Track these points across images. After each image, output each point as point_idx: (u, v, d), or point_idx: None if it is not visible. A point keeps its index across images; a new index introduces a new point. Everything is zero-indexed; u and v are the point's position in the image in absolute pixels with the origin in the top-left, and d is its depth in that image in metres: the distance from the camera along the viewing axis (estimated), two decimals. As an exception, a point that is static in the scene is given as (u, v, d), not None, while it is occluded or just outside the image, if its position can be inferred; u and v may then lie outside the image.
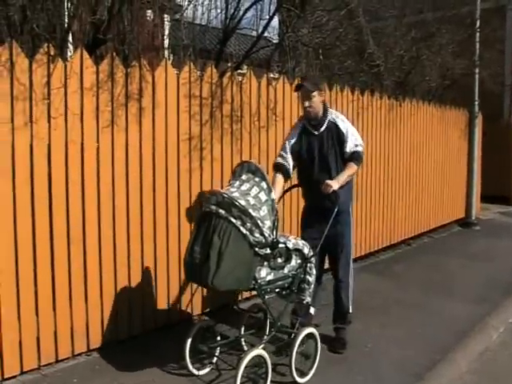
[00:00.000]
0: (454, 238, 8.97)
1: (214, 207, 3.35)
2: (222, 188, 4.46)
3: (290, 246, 3.67)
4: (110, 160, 4.14)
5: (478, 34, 9.47)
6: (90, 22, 4.88)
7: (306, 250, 3.80)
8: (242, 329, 4.10)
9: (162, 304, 4.56)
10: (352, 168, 4.12)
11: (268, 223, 3.41)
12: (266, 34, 6.53)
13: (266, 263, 3.49)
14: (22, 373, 3.72)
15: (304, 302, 3.93)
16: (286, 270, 3.68)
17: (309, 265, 3.84)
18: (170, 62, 4.76)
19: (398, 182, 7.78)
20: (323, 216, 4.00)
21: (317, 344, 3.90)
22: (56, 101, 3.82)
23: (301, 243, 3.80)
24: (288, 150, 4.19)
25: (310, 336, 3.84)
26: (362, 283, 6.04)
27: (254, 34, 6.66)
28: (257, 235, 3.33)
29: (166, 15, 6.52)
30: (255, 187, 3.47)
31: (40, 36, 4.51)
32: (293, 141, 4.21)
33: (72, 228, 3.94)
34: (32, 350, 3.76)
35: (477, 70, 9.57)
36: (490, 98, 9.97)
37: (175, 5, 6.45)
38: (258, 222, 3.32)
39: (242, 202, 3.30)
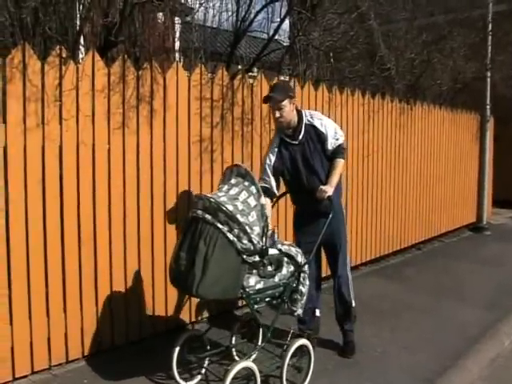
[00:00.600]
0: (465, 242, 8.93)
1: (200, 212, 3.24)
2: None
3: (283, 248, 3.58)
4: (121, 162, 4.17)
5: (490, 37, 9.43)
6: (102, 24, 4.92)
7: (299, 258, 3.68)
8: (234, 338, 3.97)
9: (170, 309, 4.57)
10: (339, 164, 4.03)
11: (257, 229, 3.29)
12: (276, 37, 6.54)
13: (254, 271, 3.37)
14: (33, 373, 3.75)
15: (295, 313, 3.74)
16: (276, 279, 3.54)
17: (302, 274, 3.71)
18: (181, 64, 4.77)
19: (408, 185, 7.77)
20: (317, 219, 3.97)
21: (310, 356, 3.74)
22: (68, 102, 3.85)
23: (294, 250, 3.68)
24: (269, 173, 4.04)
25: (303, 348, 3.70)
26: (372, 287, 6.06)
27: (265, 36, 6.67)
28: (245, 242, 3.22)
29: (176, 18, 6.55)
30: (244, 192, 3.36)
31: (52, 38, 4.56)
32: (273, 160, 4.05)
33: (83, 229, 3.97)
34: (43, 351, 3.79)
35: (488, 74, 9.53)
36: (501, 101, 9.90)
37: (186, 7, 6.49)
38: (246, 228, 3.21)
39: (230, 207, 3.20)
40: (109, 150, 4.09)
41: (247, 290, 3.34)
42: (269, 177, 4.04)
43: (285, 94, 3.94)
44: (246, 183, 3.40)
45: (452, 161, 9.07)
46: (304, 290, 3.73)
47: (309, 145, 4.02)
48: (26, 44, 3.68)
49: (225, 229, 3.17)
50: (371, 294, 5.80)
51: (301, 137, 4.02)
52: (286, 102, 3.92)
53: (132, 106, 4.22)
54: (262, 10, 6.03)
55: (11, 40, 4.54)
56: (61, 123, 3.83)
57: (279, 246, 3.59)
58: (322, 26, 6.64)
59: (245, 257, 3.24)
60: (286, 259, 3.60)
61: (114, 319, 4.18)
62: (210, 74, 4.87)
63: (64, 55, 3.85)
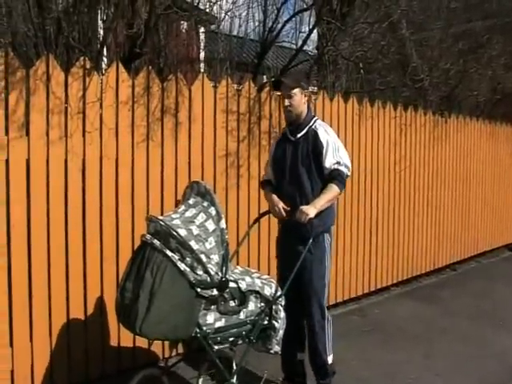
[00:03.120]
0: (504, 263, 8.79)
1: (149, 237, 2.99)
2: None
3: (243, 287, 3.24)
4: (144, 176, 4.23)
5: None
6: (126, 35, 5.03)
7: (267, 291, 3.36)
8: (201, 380, 3.56)
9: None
10: (332, 191, 3.63)
11: (215, 258, 3.03)
12: (304, 48, 6.59)
13: (213, 307, 3.09)
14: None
15: (271, 351, 3.46)
16: (242, 316, 3.25)
17: (274, 307, 3.40)
18: (206, 75, 4.84)
19: (443, 202, 7.70)
20: (294, 247, 3.65)
21: None
22: (91, 115, 3.94)
23: (259, 282, 3.35)
24: (270, 164, 3.97)
25: None
26: (403, 309, 6.01)
27: (293, 46, 6.73)
28: (199, 273, 2.96)
29: (201, 27, 6.66)
30: (202, 214, 3.09)
31: (74, 49, 4.67)
32: (273, 151, 3.96)
33: (105, 244, 4.03)
34: (62, 369, 3.84)
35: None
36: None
37: (211, 16, 6.59)
38: (202, 256, 2.96)
39: (182, 232, 2.94)
40: (132, 164, 4.16)
41: (204, 328, 3.06)
42: (269, 167, 3.99)
43: (297, 82, 3.77)
44: (205, 204, 3.14)
45: (490, 176, 8.96)
46: (278, 324, 3.42)
47: (302, 148, 3.73)
48: (49, 55, 3.79)
49: (175, 257, 2.93)
50: (403, 316, 5.75)
51: (299, 135, 3.77)
52: (297, 91, 3.72)
53: (157, 118, 4.29)
54: (290, 19, 6.11)
55: (34, 51, 4.67)
56: (84, 136, 3.92)
57: (239, 276, 3.29)
58: (352, 35, 6.68)
59: (199, 290, 2.97)
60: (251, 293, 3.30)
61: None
62: (236, 85, 4.93)
63: (88, 66, 3.94)
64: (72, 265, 3.87)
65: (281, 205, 3.70)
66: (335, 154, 3.68)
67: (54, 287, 3.79)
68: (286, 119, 3.89)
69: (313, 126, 3.77)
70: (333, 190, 3.64)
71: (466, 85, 8.56)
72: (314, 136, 3.72)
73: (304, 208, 3.54)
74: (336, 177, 3.65)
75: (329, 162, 3.65)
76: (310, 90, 3.97)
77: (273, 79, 4.82)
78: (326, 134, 3.73)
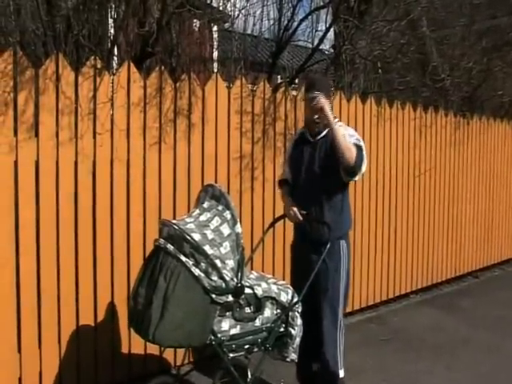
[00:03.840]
0: (529, 271, 8.72)
1: (162, 241, 3.01)
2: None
3: (259, 293, 3.23)
4: (156, 179, 4.26)
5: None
6: (137, 33, 5.06)
7: (283, 297, 3.36)
8: None
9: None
10: (352, 150, 3.51)
11: (230, 263, 3.04)
12: (321, 47, 6.59)
13: (228, 313, 3.10)
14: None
15: (288, 359, 3.47)
16: (258, 322, 3.25)
17: (290, 314, 3.39)
18: (220, 75, 4.86)
19: (464, 207, 7.65)
20: (311, 250, 3.65)
21: None
22: (102, 116, 3.97)
23: (275, 288, 3.34)
24: (287, 164, 3.96)
25: None
26: (424, 318, 5.98)
27: (309, 45, 6.74)
28: (214, 278, 2.97)
29: (214, 26, 6.68)
30: (217, 218, 3.09)
31: (84, 47, 4.70)
32: (290, 151, 3.96)
33: (116, 249, 4.06)
34: (71, 376, 3.87)
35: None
36: None
37: (225, 14, 6.61)
38: (217, 261, 2.96)
39: (196, 237, 2.95)
40: (144, 166, 4.19)
41: (219, 335, 3.06)
42: (287, 167, 3.97)
43: (328, 96, 3.73)
44: (220, 207, 3.14)
45: (515, 180, 8.89)
46: (295, 331, 3.41)
47: (320, 150, 3.69)
48: (59, 54, 3.82)
49: (189, 262, 2.94)
50: (423, 325, 5.72)
51: (319, 137, 3.73)
52: (325, 103, 3.65)
53: (169, 119, 4.32)
54: (306, 17, 6.11)
55: (43, 50, 4.71)
56: (95, 137, 3.95)
57: (255, 282, 3.28)
58: (370, 34, 6.68)
59: (214, 296, 2.98)
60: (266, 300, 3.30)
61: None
62: (250, 86, 4.94)
63: (99, 66, 3.97)
64: (82, 269, 3.89)
65: (296, 208, 3.69)
66: (356, 141, 3.61)
67: (64, 292, 3.81)
68: (313, 130, 3.78)
69: None
70: (352, 147, 3.52)
71: (489, 84, 8.49)
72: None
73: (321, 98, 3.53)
74: (357, 148, 3.55)
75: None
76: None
77: (288, 79, 4.83)
78: (344, 130, 3.67)
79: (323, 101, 3.56)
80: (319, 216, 3.63)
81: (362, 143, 3.66)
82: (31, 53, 4.67)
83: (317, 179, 3.67)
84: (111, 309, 4.05)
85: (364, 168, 3.63)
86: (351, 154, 3.50)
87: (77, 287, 3.88)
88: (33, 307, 3.70)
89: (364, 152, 3.62)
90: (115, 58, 5.26)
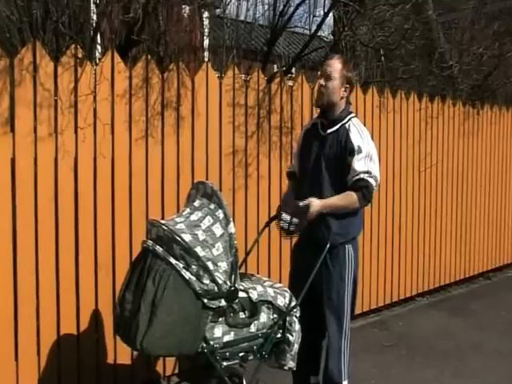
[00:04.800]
0: (545, 272, 8.74)
1: (150, 243, 3.01)
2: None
3: (254, 296, 3.22)
4: (143, 176, 4.25)
5: None
6: (122, 20, 5.04)
7: (280, 301, 3.34)
8: None
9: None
10: (349, 199, 3.52)
11: (223, 265, 3.03)
12: (319, 33, 6.58)
13: (221, 319, 3.08)
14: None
15: (285, 367, 3.44)
16: (253, 328, 3.24)
17: (288, 319, 3.37)
18: (211, 64, 4.85)
19: (475, 204, 7.66)
20: (310, 253, 3.58)
21: None
22: (84, 109, 3.96)
23: (271, 292, 3.33)
24: (296, 156, 3.95)
25: None
26: (431, 322, 6.00)
27: (306, 32, 6.72)
28: (206, 282, 2.97)
29: (205, 12, 6.67)
30: (208, 217, 3.08)
31: (65, 35, 4.67)
32: (300, 143, 3.91)
33: (100, 251, 4.05)
34: None
35: None
36: None
37: (217, 0, 6.60)
38: (209, 264, 2.96)
39: (187, 237, 2.95)
40: (130, 163, 4.18)
41: (211, 343, 3.05)
42: (295, 159, 3.97)
43: (343, 68, 3.64)
44: (212, 206, 3.13)
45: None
46: (293, 338, 3.39)
47: (330, 147, 3.63)
48: (36, 42, 3.79)
49: (180, 265, 2.93)
50: (431, 329, 5.73)
51: (330, 131, 3.66)
52: (338, 75, 3.60)
53: (156, 112, 4.31)
54: (302, 2, 6.10)
55: (19, 37, 4.68)
56: (76, 132, 3.93)
57: (250, 285, 3.28)
58: (372, 19, 6.67)
59: (206, 301, 2.97)
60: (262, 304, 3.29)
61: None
62: (243, 76, 4.94)
63: (80, 55, 3.95)
64: (63, 275, 3.88)
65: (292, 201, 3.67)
66: (367, 161, 3.54)
67: (43, 299, 3.80)
68: (316, 103, 3.77)
69: (346, 124, 3.63)
70: (350, 198, 3.52)
71: (501, 71, 8.46)
72: (344, 136, 3.59)
73: (312, 199, 3.47)
74: (362, 188, 3.51)
75: (358, 169, 3.51)
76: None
77: (284, 68, 4.82)
78: (359, 137, 3.59)
79: (315, 209, 3.48)
80: (320, 216, 3.59)
81: (373, 170, 3.57)
82: (5, 41, 4.63)
83: (322, 178, 3.64)
84: (95, 316, 4.04)
85: (376, 185, 3.59)
86: (354, 204, 3.54)
87: (57, 293, 3.86)
88: (8, 316, 3.67)
89: (374, 179, 3.56)
90: (98, 47, 5.23)
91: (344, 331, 3.68)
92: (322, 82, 3.64)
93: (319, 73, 3.74)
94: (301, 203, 3.49)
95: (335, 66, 3.62)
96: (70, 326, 3.92)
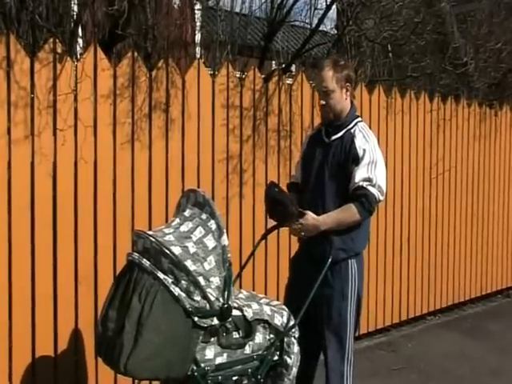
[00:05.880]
0: None
1: (136, 256, 3.00)
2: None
3: (249, 315, 3.21)
4: (129, 183, 4.28)
5: None
6: (106, 12, 5.07)
7: (277, 321, 3.34)
8: None
9: None
10: (347, 212, 3.53)
11: (216, 281, 3.04)
12: (321, 27, 6.61)
13: (213, 339, 3.07)
14: None
15: None
16: (248, 350, 3.23)
17: (286, 340, 3.37)
18: (203, 61, 4.88)
19: (492, 214, 7.66)
20: (309, 268, 3.60)
21: None
22: (64, 109, 3.98)
23: (268, 310, 3.32)
24: (299, 165, 3.96)
25: None
26: (444, 344, 5.99)
27: (307, 26, 6.76)
28: (197, 298, 2.97)
29: (197, 3, 6.70)
30: (200, 228, 3.08)
31: (42, 28, 4.69)
32: (304, 150, 3.96)
33: (81, 265, 4.06)
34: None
35: None
36: None
37: (209, -9, 6.66)
38: (200, 279, 2.97)
39: (176, 250, 2.95)
40: (114, 169, 4.20)
41: (202, 365, 3.03)
42: (297, 170, 3.98)
43: (337, 76, 3.63)
44: (204, 216, 3.13)
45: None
46: (291, 360, 3.39)
47: (334, 155, 3.65)
48: (10, 35, 3.80)
49: (168, 280, 2.93)
50: (443, 352, 5.73)
51: (334, 137, 3.69)
52: (336, 86, 3.63)
53: (144, 114, 4.34)
54: (303, -7, 6.14)
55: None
56: (55, 135, 3.95)
57: (244, 302, 3.27)
58: (379, 12, 6.70)
59: (197, 319, 2.97)
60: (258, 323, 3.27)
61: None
62: (238, 74, 4.96)
63: (59, 50, 3.98)
64: (39, 290, 3.89)
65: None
66: (370, 168, 3.55)
67: (16, 318, 3.80)
68: (322, 119, 3.81)
69: (351, 130, 3.66)
70: (349, 211, 3.52)
71: (522, 68, 8.46)
72: (349, 142, 3.61)
73: (310, 217, 3.50)
74: (360, 197, 3.51)
75: (358, 177, 3.52)
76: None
77: (282, 66, 4.84)
78: (365, 142, 3.61)
79: (310, 229, 3.54)
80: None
81: (376, 179, 3.56)
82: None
83: (325, 190, 3.66)
84: (75, 336, 4.05)
85: (379, 195, 3.57)
86: (353, 216, 3.53)
87: (33, 311, 3.87)
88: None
89: (378, 188, 3.55)
90: (79, 41, 5.26)
91: (346, 354, 3.68)
92: (322, 102, 3.67)
93: (313, 86, 3.73)
94: (293, 225, 3.55)
95: (327, 76, 3.62)
96: (46, 348, 3.93)
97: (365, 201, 3.51)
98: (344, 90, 3.67)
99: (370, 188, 3.51)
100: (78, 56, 4.49)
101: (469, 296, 7.37)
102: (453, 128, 7.00)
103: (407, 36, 6.84)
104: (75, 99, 4.03)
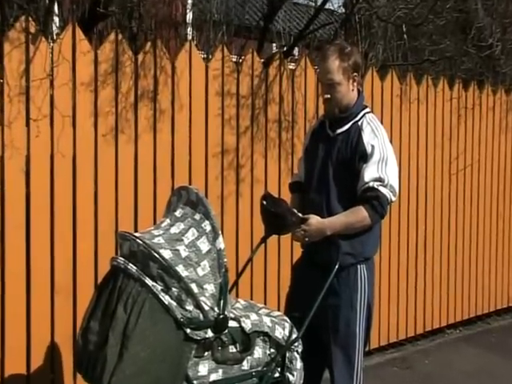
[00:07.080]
0: None
1: (122, 260, 2.98)
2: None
3: (247, 327, 3.19)
4: (112, 180, 4.28)
5: None
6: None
7: (278, 333, 3.33)
8: None
9: None
10: (356, 215, 3.51)
11: (210, 288, 3.03)
12: (327, 5, 6.61)
13: (207, 354, 3.05)
14: None
15: None
16: (245, 365, 3.21)
17: (288, 354, 3.37)
18: (195, 44, 4.88)
19: (518, 214, 7.69)
20: (317, 273, 3.57)
21: None
22: (38, 97, 3.97)
23: (268, 321, 3.32)
24: (302, 161, 3.96)
25: None
26: (466, 360, 6.00)
27: (311, 4, 6.77)
28: (189, 308, 2.95)
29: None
30: (193, 230, 3.08)
31: (12, 4, 4.69)
32: (307, 144, 3.93)
33: (58, 271, 4.06)
34: None
35: None
36: None
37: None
38: (192, 286, 2.95)
39: (166, 254, 2.93)
40: (96, 164, 4.20)
41: (195, 382, 3.01)
42: (300, 167, 3.98)
43: (344, 66, 3.58)
44: (197, 216, 3.13)
45: None
46: (293, 378, 3.38)
47: (339, 150, 3.63)
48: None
49: (157, 287, 2.92)
50: (464, 370, 5.73)
51: (339, 131, 3.66)
52: (342, 78, 3.58)
53: (129, 103, 4.34)
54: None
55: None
56: (28, 125, 3.95)
57: (241, 313, 3.27)
58: (393, -13, 6.72)
59: (189, 331, 2.94)
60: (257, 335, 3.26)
61: None
62: (235, 58, 4.96)
63: (32, 30, 3.96)
64: (11, 300, 3.89)
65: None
66: (380, 166, 3.52)
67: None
68: (327, 116, 3.78)
69: (359, 122, 3.63)
70: (358, 213, 3.51)
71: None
72: (356, 136, 3.59)
73: (314, 221, 3.49)
74: (370, 199, 3.48)
75: (368, 176, 3.49)
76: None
77: (284, 49, 4.85)
78: (374, 137, 3.57)
79: (313, 234, 3.52)
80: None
81: (389, 178, 3.53)
82: None
83: (329, 188, 3.64)
84: (51, 351, 4.05)
85: (391, 196, 3.54)
86: (363, 220, 3.51)
87: (2, 323, 3.87)
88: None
89: (390, 188, 3.52)
90: (55, 20, 5.25)
91: (355, 371, 3.67)
92: (326, 96, 3.64)
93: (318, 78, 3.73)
94: (295, 232, 3.55)
95: (332, 66, 3.56)
96: (18, 364, 3.92)
97: (376, 204, 3.49)
98: (351, 81, 3.62)
99: (381, 189, 3.48)
100: (55, 36, 4.48)
101: (494, 307, 7.39)
102: (476, 118, 7.00)
103: (424, 15, 6.81)
104: (51, 85, 4.03)
